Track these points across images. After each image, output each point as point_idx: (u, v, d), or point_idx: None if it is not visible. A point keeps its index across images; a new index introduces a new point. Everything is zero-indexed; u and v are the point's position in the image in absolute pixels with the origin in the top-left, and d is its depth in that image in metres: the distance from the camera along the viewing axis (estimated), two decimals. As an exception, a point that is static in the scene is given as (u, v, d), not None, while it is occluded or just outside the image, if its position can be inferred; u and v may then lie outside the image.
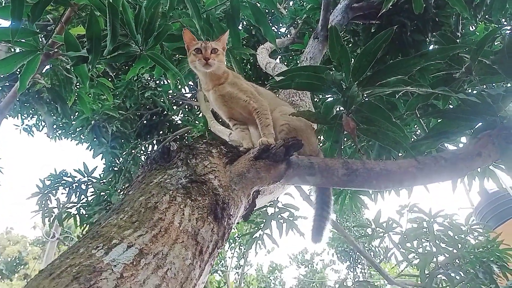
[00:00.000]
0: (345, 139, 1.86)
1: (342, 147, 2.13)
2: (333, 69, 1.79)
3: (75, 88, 3.58)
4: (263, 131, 1.73)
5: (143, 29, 2.18)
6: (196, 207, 1.15)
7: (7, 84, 5.36)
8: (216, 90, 1.87)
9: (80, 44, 2.30)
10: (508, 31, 4.01)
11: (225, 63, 1.97)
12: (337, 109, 1.87)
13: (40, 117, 7.41)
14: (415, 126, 4.38)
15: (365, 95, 1.76)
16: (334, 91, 1.73)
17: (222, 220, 1.21)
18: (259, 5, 4.58)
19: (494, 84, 2.04)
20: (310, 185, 1.71)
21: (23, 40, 2.11)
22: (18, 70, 2.28)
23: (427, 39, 4.23)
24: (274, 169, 1.52)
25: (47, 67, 3.25)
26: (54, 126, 7.03)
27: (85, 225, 5.94)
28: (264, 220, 4.97)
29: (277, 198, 4.79)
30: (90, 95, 4.39)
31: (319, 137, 2.00)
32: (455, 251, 4.09)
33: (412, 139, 4.10)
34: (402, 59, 1.68)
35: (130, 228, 0.96)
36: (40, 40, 2.33)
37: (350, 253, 21.04)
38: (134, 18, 2.19)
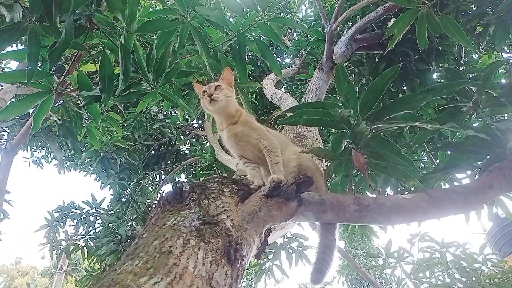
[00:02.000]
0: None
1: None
2: (340, 104, 1.82)
3: (85, 122, 3.65)
4: (273, 168, 1.74)
5: (154, 68, 2.25)
6: (210, 250, 1.15)
7: (17, 117, 5.47)
8: (230, 129, 1.91)
9: (90, 80, 2.37)
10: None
11: (234, 98, 1.99)
12: (346, 143, 1.89)
13: (49, 149, 7.51)
14: (422, 153, 4.39)
15: (373, 129, 1.78)
16: (342, 127, 1.75)
17: (235, 262, 1.21)
18: (264, 37, 4.71)
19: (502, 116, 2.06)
20: (322, 221, 1.70)
21: (38, 81, 2.18)
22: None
23: (431, 68, 4.28)
24: (286, 207, 1.52)
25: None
26: (63, 158, 7.10)
27: (92, 257, 5.91)
28: (273, 251, 4.92)
29: (286, 229, 4.75)
30: (99, 129, 4.47)
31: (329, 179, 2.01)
32: (469, 282, 3.99)
33: (420, 167, 4.11)
34: (409, 95, 1.70)
35: (146, 275, 0.97)
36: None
37: (361, 281, 20.52)
38: (146, 57, 2.25)
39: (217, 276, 1.10)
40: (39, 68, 2.03)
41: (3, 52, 1.89)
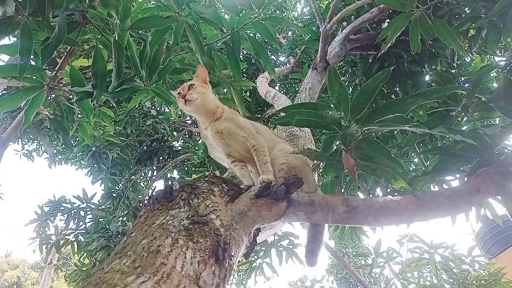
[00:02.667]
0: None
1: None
2: (332, 106, 1.83)
3: (77, 117, 3.62)
4: (261, 168, 1.73)
5: (148, 64, 2.24)
6: (198, 250, 1.16)
7: (9, 111, 5.41)
8: (213, 126, 1.85)
9: (83, 75, 2.36)
10: (503, 62, 4.09)
11: (211, 94, 1.94)
12: (337, 144, 1.90)
13: (40, 142, 7.45)
14: (413, 155, 4.42)
15: (364, 131, 1.80)
16: (333, 129, 1.76)
17: (223, 261, 1.21)
18: (258, 35, 4.71)
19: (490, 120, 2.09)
20: (311, 222, 1.72)
21: (30, 76, 2.16)
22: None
23: (424, 70, 4.31)
24: (275, 207, 1.53)
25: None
26: (55, 151, 7.05)
27: (82, 252, 5.88)
28: (263, 249, 4.94)
29: (277, 227, 4.78)
30: (91, 124, 4.42)
31: (318, 173, 2.02)
32: (456, 283, 4.04)
33: (411, 169, 4.15)
34: (399, 98, 1.72)
35: (133, 274, 0.97)
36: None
37: (350, 280, 20.66)
38: (139, 54, 2.24)
39: (205, 275, 1.10)
40: (31, 63, 2.02)
41: (-5, 45, 1.88)
